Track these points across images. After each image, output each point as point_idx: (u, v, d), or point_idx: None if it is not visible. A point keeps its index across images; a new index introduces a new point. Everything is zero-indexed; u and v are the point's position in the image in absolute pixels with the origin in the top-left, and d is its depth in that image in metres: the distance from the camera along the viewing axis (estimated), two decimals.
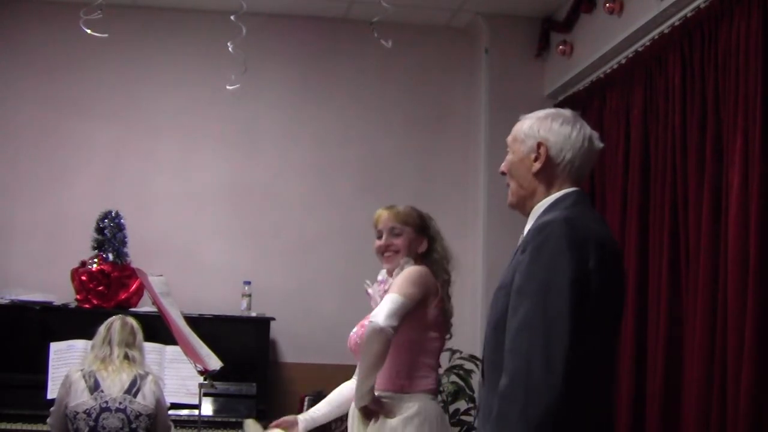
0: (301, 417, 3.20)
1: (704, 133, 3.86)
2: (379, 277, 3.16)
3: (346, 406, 3.14)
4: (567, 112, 2.28)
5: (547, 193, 2.21)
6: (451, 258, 3.15)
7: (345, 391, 3.21)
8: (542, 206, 2.20)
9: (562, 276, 1.97)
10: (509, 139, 2.31)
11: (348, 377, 3.28)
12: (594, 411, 2.05)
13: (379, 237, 3.13)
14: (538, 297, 1.98)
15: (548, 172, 2.21)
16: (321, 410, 3.22)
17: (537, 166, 2.21)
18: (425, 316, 2.97)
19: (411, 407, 2.93)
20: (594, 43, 4.92)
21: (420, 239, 3.10)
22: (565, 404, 1.91)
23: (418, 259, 3.09)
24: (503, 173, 2.32)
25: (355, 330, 3.13)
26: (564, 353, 1.92)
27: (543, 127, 2.22)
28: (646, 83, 4.44)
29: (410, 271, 3.00)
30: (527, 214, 2.25)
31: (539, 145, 2.21)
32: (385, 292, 3.03)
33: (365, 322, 3.06)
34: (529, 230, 2.13)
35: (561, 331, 1.94)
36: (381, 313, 2.82)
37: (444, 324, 3.07)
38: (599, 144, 2.27)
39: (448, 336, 3.12)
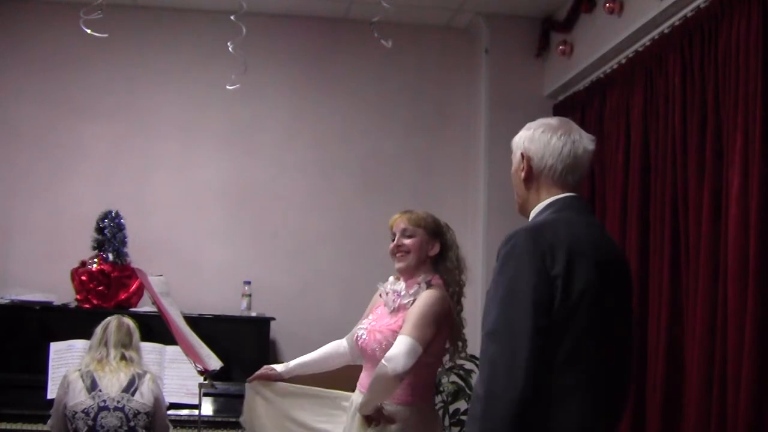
0: (279, 366, 3.39)
1: (704, 133, 3.86)
2: (396, 287, 3.17)
3: (326, 366, 3.36)
4: (554, 120, 2.34)
5: (538, 200, 2.29)
6: (465, 269, 3.18)
7: (331, 350, 3.39)
8: (534, 213, 2.28)
9: (525, 284, 2.05)
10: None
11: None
12: (564, 416, 2.07)
13: (393, 239, 3.17)
14: (503, 304, 2.07)
15: (534, 179, 2.29)
16: (306, 361, 3.39)
17: (522, 174, 2.30)
18: (437, 343, 3.03)
19: (410, 416, 3.01)
20: (594, 43, 4.92)
21: (432, 242, 3.14)
22: (525, 409, 1.98)
23: (428, 263, 3.11)
24: None
25: (365, 335, 3.13)
26: (526, 359, 2.00)
27: (527, 137, 2.31)
28: (646, 83, 4.44)
29: (425, 304, 3.00)
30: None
31: (522, 154, 2.31)
32: (400, 306, 3.07)
33: (372, 325, 3.13)
34: (502, 240, 2.18)
35: (524, 338, 2.01)
36: (399, 359, 2.85)
37: (450, 339, 3.10)
38: (588, 146, 2.30)
39: (461, 344, 3.15)
